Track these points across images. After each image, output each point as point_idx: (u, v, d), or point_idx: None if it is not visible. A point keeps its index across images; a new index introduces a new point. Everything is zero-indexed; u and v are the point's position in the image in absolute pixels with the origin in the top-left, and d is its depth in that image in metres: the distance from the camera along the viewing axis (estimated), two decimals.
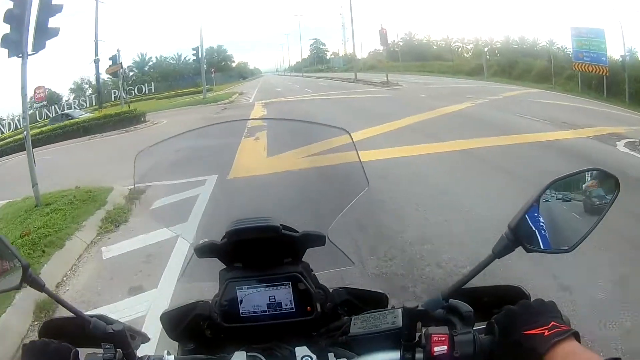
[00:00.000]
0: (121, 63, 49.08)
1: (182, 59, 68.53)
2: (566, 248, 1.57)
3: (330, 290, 1.95)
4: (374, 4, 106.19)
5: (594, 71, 39.10)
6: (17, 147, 33.18)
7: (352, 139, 2.20)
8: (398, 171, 12.86)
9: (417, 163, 13.86)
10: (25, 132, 13.53)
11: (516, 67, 52.91)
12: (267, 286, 1.83)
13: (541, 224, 1.56)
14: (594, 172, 1.65)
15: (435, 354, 1.48)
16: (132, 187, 13.35)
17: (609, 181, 1.63)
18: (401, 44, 70.20)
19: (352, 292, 2.00)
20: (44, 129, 39.31)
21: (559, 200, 1.63)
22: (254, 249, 1.85)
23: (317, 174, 3.95)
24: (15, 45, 13.05)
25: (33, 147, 31.90)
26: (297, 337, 1.82)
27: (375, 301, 1.99)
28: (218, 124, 3.39)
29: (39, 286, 1.62)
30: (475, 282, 1.63)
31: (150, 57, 69.12)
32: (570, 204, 1.65)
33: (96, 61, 47.62)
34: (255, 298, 1.84)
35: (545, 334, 1.39)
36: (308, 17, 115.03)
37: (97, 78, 50.64)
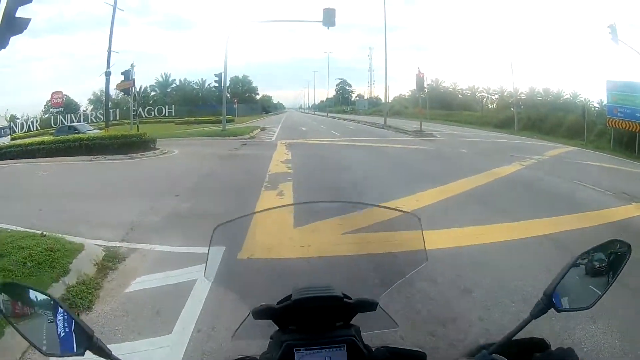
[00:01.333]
0: (134, 80, 47.24)
1: (206, 85, 69.45)
2: (587, 306, 1.94)
3: (373, 349, 2.01)
4: (401, 48, 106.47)
5: (627, 127, 38.75)
6: (19, 153, 33.75)
7: (421, 226, 2.28)
8: (478, 277, 9.22)
9: (499, 259, 10.34)
10: None
11: (546, 120, 53.86)
12: (323, 348, 1.94)
13: (568, 288, 1.93)
14: (612, 241, 2.05)
15: None
16: (107, 246, 11.05)
17: (623, 247, 2.03)
18: (427, 90, 68.84)
19: (394, 352, 2.06)
20: (45, 139, 38.11)
21: (582, 268, 2.01)
22: (310, 313, 1.97)
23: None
24: None
25: (34, 157, 30.69)
26: None
27: (414, 359, 2.08)
28: (271, 210, 2.88)
29: (105, 355, 1.70)
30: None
31: (174, 79, 69.66)
32: (591, 270, 2.01)
33: (107, 74, 45.64)
34: (311, 359, 1.93)
35: None
36: (337, 55, 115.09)
37: (106, 92, 48.67)
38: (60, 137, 36.97)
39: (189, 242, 10.69)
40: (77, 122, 49.80)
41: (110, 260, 9.94)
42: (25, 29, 10.64)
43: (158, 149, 34.61)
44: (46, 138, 38.60)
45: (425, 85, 58.54)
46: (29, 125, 51.40)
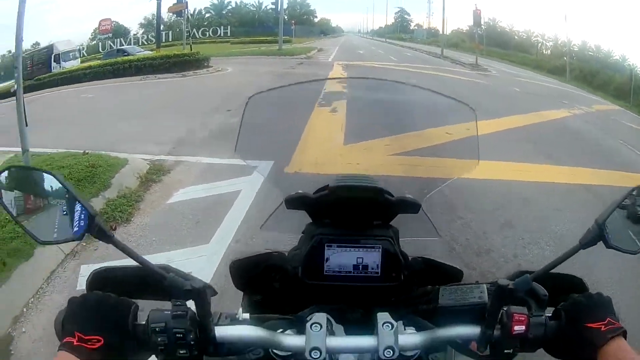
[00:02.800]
0: (186, 2, 46.49)
1: (263, 7, 67.94)
2: (636, 250, 1.65)
3: (410, 258, 1.94)
4: None
5: None
6: (63, 80, 33.26)
7: (475, 117, 2.10)
8: (519, 213, 9.26)
9: (541, 199, 10.27)
10: (16, 85, 10.09)
11: (597, 76, 50.83)
12: (357, 247, 1.84)
13: (623, 224, 1.65)
14: None
15: (514, 332, 1.54)
16: (152, 159, 11.07)
17: None
18: (484, 27, 67.89)
19: (431, 263, 2.00)
20: (92, 63, 37.95)
21: (631, 206, 1.70)
22: (347, 206, 1.86)
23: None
24: None
25: (79, 82, 31.03)
26: (376, 301, 1.86)
27: (450, 275, 2.00)
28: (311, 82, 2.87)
29: (107, 237, 1.48)
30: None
31: (229, 2, 68.58)
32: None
33: None
34: (342, 257, 1.85)
35: (602, 329, 1.51)
36: None
37: (158, 15, 48.14)
38: (108, 60, 36.66)
39: (239, 154, 10.34)
40: (127, 45, 48.59)
41: (155, 173, 10.03)
42: None
43: (211, 66, 33.97)
44: (93, 63, 38.41)
45: (482, 23, 57.73)
46: (83, 53, 50.76)
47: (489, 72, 43.31)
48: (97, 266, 4.74)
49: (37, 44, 46.63)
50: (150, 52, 40.49)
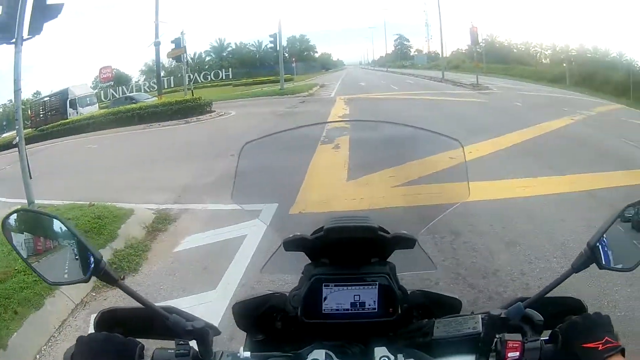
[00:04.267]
0: (185, 47, 46.28)
1: (263, 46, 67.90)
2: (629, 267, 1.74)
3: (409, 292, 1.96)
4: (457, 3, 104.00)
5: None
6: (65, 130, 33.95)
7: (464, 151, 2.17)
8: (524, 230, 9.18)
9: (545, 212, 10.18)
10: (17, 137, 10.62)
11: (595, 77, 50.33)
12: (354, 285, 1.88)
13: (612, 243, 1.71)
14: None
15: (507, 359, 1.60)
16: (158, 208, 11.20)
17: None
18: (483, 44, 67.94)
19: (429, 296, 2.05)
20: (95, 113, 38.61)
21: (630, 223, 1.77)
22: (344, 246, 1.89)
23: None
24: (6, 29, 10.43)
25: (82, 132, 30.98)
26: (374, 336, 1.87)
27: (449, 306, 2.04)
28: (306, 127, 2.78)
29: (112, 280, 1.63)
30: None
31: (229, 43, 68.55)
32: (638, 224, 1.77)
33: (156, 44, 44.85)
34: (339, 296, 1.88)
35: (600, 348, 1.56)
36: (393, 12, 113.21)
37: (157, 62, 47.89)
38: (111, 109, 37.15)
39: (242, 199, 10.21)
40: (130, 93, 49.00)
41: (161, 223, 10.13)
42: (59, 14, 10.80)
43: (214, 111, 34.33)
44: (96, 112, 38.78)
45: (480, 40, 57.85)
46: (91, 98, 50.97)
47: (490, 90, 43.67)
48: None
49: (38, 92, 46.69)
50: (153, 99, 40.81)
